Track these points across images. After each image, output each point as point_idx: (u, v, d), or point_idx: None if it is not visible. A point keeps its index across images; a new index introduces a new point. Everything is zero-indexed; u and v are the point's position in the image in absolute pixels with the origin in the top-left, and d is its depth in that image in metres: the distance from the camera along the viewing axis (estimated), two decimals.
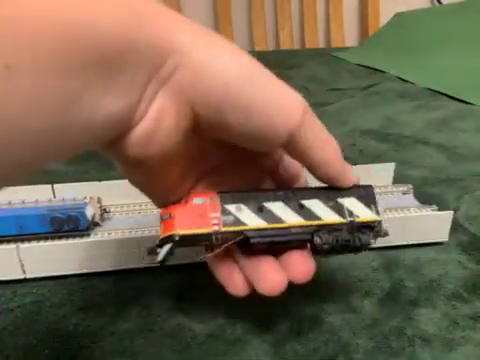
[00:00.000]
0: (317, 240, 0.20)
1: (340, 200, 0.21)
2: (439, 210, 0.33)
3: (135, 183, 0.20)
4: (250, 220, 0.20)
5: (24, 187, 0.34)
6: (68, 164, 0.49)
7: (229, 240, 0.19)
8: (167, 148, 0.17)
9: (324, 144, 0.20)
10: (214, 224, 0.19)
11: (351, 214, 0.21)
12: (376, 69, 1.03)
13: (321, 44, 1.68)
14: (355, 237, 0.21)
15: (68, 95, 0.14)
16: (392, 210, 0.33)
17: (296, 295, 0.27)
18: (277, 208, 0.20)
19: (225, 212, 0.20)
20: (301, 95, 0.19)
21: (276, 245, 0.20)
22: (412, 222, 0.31)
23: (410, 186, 0.38)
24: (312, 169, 0.20)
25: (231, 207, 0.20)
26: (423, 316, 0.26)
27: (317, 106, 0.69)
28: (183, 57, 0.17)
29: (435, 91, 0.79)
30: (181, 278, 0.29)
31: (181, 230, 0.19)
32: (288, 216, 0.20)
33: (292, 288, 0.28)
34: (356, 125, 0.61)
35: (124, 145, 0.17)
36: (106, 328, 0.25)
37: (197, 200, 0.20)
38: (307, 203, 0.20)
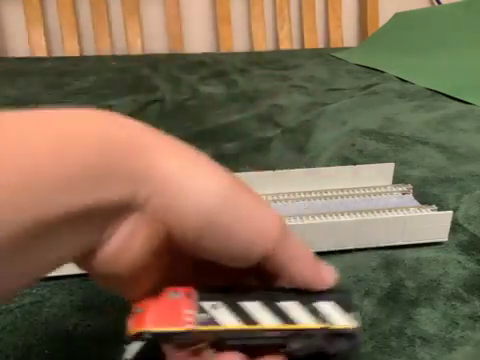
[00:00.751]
0: (291, 346, 0.19)
1: (317, 304, 0.20)
2: (439, 210, 0.33)
3: (105, 287, 0.19)
4: (225, 320, 0.19)
5: None
6: None
7: (202, 339, 0.19)
8: (137, 265, 0.17)
9: (299, 259, 0.19)
10: (188, 322, 0.18)
11: (326, 320, 0.20)
12: (375, 69, 1.03)
13: (320, 44, 1.68)
14: (330, 344, 0.20)
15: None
16: (392, 210, 0.33)
17: None
18: (254, 308, 0.19)
19: (200, 310, 0.19)
20: (274, 220, 0.18)
21: (250, 347, 0.20)
22: (412, 222, 0.31)
23: (410, 186, 0.38)
24: (287, 278, 0.20)
25: (207, 304, 0.19)
26: (423, 316, 0.26)
27: (316, 106, 0.69)
28: (157, 184, 0.16)
29: (435, 91, 0.79)
30: None
31: (152, 327, 0.18)
32: (264, 318, 0.19)
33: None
34: (355, 125, 0.61)
35: (91, 262, 0.16)
36: (106, 328, 0.25)
37: (172, 295, 0.19)
38: (285, 305, 0.20)
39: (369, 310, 0.26)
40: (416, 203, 0.36)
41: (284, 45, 1.60)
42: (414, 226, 0.31)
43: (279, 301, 0.20)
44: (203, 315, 0.19)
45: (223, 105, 0.74)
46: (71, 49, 1.43)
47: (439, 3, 1.69)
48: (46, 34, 1.43)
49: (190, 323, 0.18)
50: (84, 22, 1.47)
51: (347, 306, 0.20)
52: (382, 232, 0.31)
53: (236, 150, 0.51)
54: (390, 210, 0.33)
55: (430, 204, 0.34)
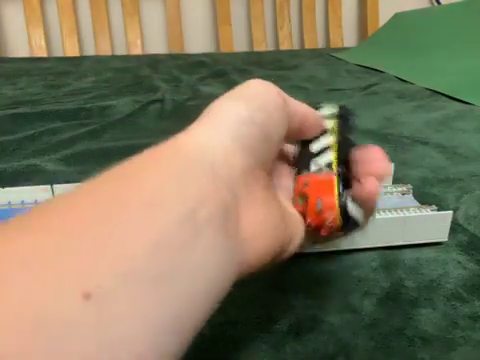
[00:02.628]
0: None
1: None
2: (439, 210, 0.33)
3: None
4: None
5: (24, 188, 0.34)
6: (68, 164, 0.49)
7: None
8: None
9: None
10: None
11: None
12: (375, 69, 1.03)
13: (320, 44, 1.68)
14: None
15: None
16: (392, 210, 0.33)
17: (296, 295, 0.27)
18: None
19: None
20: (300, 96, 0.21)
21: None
22: (412, 222, 0.31)
23: (410, 186, 0.38)
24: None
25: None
26: (423, 316, 0.26)
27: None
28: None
29: (434, 91, 0.79)
30: None
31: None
32: None
33: (292, 288, 0.28)
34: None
35: None
36: None
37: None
38: None
39: (369, 310, 0.26)
40: (416, 203, 0.36)
41: (284, 45, 1.60)
42: (414, 226, 0.31)
43: None
44: None
45: None
46: (71, 49, 1.43)
47: (439, 3, 1.69)
48: (46, 34, 1.43)
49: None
50: (84, 22, 1.47)
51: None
52: (382, 232, 0.31)
53: None
54: (390, 210, 0.33)
55: (430, 204, 0.34)
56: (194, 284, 0.15)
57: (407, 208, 0.33)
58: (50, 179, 0.44)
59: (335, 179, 0.20)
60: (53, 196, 0.35)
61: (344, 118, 0.25)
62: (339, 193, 0.20)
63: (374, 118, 0.65)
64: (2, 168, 0.47)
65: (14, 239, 0.13)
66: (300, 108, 0.22)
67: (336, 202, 0.20)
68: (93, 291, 0.12)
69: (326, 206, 0.20)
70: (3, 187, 0.34)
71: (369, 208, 0.21)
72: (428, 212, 0.33)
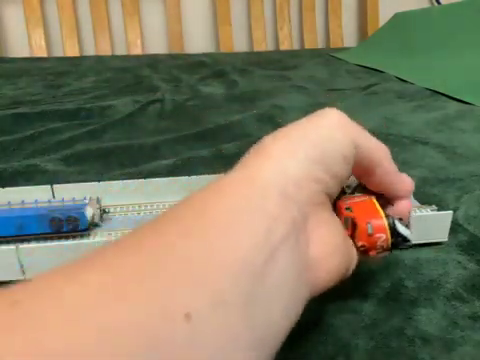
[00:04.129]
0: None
1: None
2: (439, 210, 0.33)
3: None
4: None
5: (23, 188, 0.34)
6: (68, 164, 0.49)
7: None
8: None
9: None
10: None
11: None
12: (375, 69, 1.03)
13: (320, 44, 1.68)
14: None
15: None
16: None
17: None
18: None
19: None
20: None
21: None
22: (412, 222, 0.31)
23: None
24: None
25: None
26: (423, 316, 0.26)
27: (316, 106, 0.69)
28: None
29: (434, 91, 0.79)
30: None
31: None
32: None
33: None
34: None
35: None
36: None
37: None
38: None
39: (369, 310, 0.26)
40: (416, 203, 0.36)
41: (284, 45, 1.60)
42: (414, 226, 0.31)
43: None
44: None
45: (223, 105, 0.74)
46: (71, 49, 1.43)
47: (439, 3, 1.69)
48: (46, 34, 1.43)
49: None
50: (84, 22, 1.47)
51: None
52: None
53: (236, 150, 0.51)
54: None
55: (430, 204, 0.34)
56: (276, 309, 0.15)
57: None
58: (50, 179, 0.44)
59: (375, 201, 0.22)
60: (53, 196, 0.35)
61: None
62: (386, 215, 0.21)
63: (374, 118, 0.65)
64: (2, 168, 0.47)
65: (128, 256, 0.13)
66: (371, 155, 0.23)
67: (386, 224, 0.21)
68: (193, 312, 0.13)
69: (377, 229, 0.21)
70: (3, 187, 0.34)
71: (409, 225, 0.23)
72: (428, 212, 0.33)
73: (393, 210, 0.24)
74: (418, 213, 0.32)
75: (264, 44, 1.58)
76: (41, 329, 0.11)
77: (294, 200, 0.17)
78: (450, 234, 0.32)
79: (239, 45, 1.59)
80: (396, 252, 0.31)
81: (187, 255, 0.14)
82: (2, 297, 0.12)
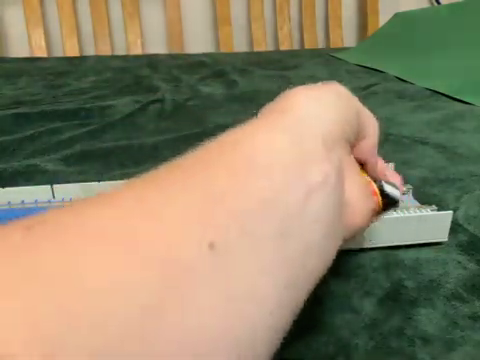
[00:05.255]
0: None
1: None
2: (439, 210, 0.33)
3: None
4: None
5: (24, 188, 0.34)
6: (68, 164, 0.49)
7: None
8: None
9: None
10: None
11: None
12: (375, 69, 1.03)
13: (320, 44, 1.68)
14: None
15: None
16: (392, 210, 0.33)
17: None
18: None
19: None
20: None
21: None
22: (412, 222, 0.31)
23: (409, 186, 0.38)
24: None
25: None
26: (423, 316, 0.26)
27: None
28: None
29: (434, 91, 0.79)
30: None
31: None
32: None
33: None
34: None
35: None
36: None
37: None
38: None
39: (369, 310, 0.26)
40: (416, 203, 0.36)
41: (284, 45, 1.60)
42: (414, 226, 0.31)
43: None
44: None
45: (223, 105, 0.74)
46: (71, 49, 1.43)
47: (439, 3, 1.69)
48: (46, 34, 1.43)
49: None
50: (84, 22, 1.47)
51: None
52: (382, 232, 0.31)
53: None
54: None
55: (430, 204, 0.34)
56: (311, 244, 0.15)
57: (407, 208, 0.33)
58: (50, 179, 0.44)
59: (361, 170, 0.23)
60: (53, 196, 0.35)
61: None
62: (374, 179, 0.22)
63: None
64: (2, 168, 0.47)
65: (144, 192, 0.13)
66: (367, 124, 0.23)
67: (375, 187, 0.22)
68: (217, 241, 0.12)
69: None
70: (3, 187, 0.34)
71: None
72: (428, 212, 0.33)
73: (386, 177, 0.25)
74: (418, 213, 0.32)
75: (264, 44, 1.58)
76: (64, 248, 0.11)
77: (332, 145, 0.17)
78: (450, 234, 0.32)
79: (239, 45, 1.59)
80: (396, 252, 0.31)
81: (210, 188, 0.13)
82: (16, 224, 0.12)
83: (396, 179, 0.25)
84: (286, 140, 0.16)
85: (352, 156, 0.21)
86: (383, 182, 0.22)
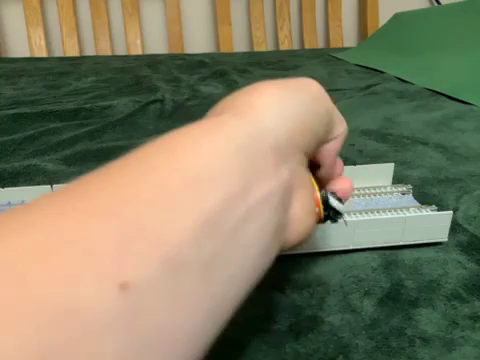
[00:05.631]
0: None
1: None
2: (438, 210, 0.33)
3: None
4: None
5: (24, 188, 0.34)
6: (68, 164, 0.49)
7: None
8: None
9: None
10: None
11: None
12: (375, 69, 1.03)
13: (320, 44, 1.68)
14: None
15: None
16: (392, 210, 0.33)
17: (296, 295, 0.27)
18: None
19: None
20: None
21: None
22: (412, 222, 0.31)
23: (409, 186, 0.38)
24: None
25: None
26: (423, 316, 0.26)
27: None
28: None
29: (434, 91, 0.79)
30: None
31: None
32: None
33: (292, 287, 0.28)
34: (355, 125, 0.61)
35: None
36: None
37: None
38: None
39: (369, 310, 0.26)
40: (416, 203, 0.36)
41: (284, 45, 1.60)
42: (414, 226, 0.31)
43: None
44: None
45: None
46: (71, 49, 1.43)
47: (439, 3, 1.69)
48: (46, 34, 1.43)
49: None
50: (84, 22, 1.47)
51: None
52: (382, 232, 0.31)
53: None
54: (390, 210, 0.33)
55: (430, 204, 0.34)
56: (241, 269, 0.13)
57: (407, 208, 0.33)
58: (50, 179, 0.44)
59: (312, 178, 0.22)
60: None
61: None
62: (320, 189, 0.22)
63: (374, 118, 0.65)
64: (2, 168, 0.47)
65: (39, 221, 0.11)
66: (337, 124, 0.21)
67: (318, 197, 0.21)
68: (132, 280, 0.10)
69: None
70: (3, 187, 0.34)
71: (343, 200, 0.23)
72: (428, 212, 0.33)
73: (335, 184, 0.24)
74: (418, 213, 0.32)
75: (264, 44, 1.58)
76: None
77: (285, 157, 0.16)
78: (450, 234, 0.32)
79: (239, 45, 1.59)
80: (396, 252, 0.31)
81: (133, 209, 0.11)
82: None
83: (346, 184, 0.24)
84: (231, 150, 0.14)
85: (305, 166, 0.19)
86: (329, 194, 0.22)
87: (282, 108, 0.17)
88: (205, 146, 0.14)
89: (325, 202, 0.22)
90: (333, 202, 0.22)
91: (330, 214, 0.22)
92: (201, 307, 0.12)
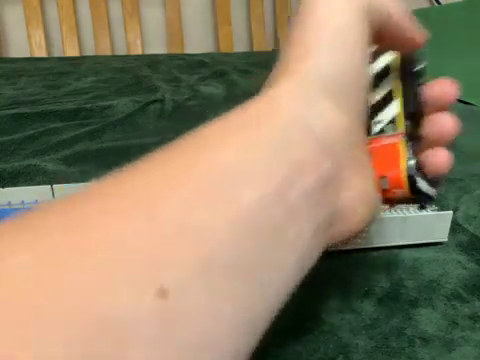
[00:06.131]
0: None
1: None
2: (439, 210, 0.33)
3: None
4: None
5: (24, 188, 0.34)
6: (68, 164, 0.49)
7: None
8: None
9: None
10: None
11: None
12: None
13: None
14: None
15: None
16: (392, 210, 0.33)
17: (296, 295, 0.27)
18: None
19: None
20: None
21: None
22: (412, 222, 0.31)
23: None
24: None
25: None
26: (423, 316, 0.26)
27: None
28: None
29: None
30: None
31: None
32: None
33: None
34: None
35: None
36: None
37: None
38: None
39: (369, 310, 0.26)
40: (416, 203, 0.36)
41: None
42: (414, 226, 0.31)
43: None
44: None
45: (223, 105, 0.74)
46: (71, 49, 1.43)
47: (439, 3, 1.69)
48: (46, 34, 1.43)
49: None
50: (84, 22, 1.47)
51: None
52: (382, 232, 0.31)
53: None
54: (390, 210, 0.33)
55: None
56: (279, 275, 0.13)
57: (407, 208, 0.33)
58: (50, 179, 0.44)
59: (401, 144, 0.18)
60: (53, 196, 0.35)
61: (407, 60, 0.21)
62: (408, 166, 0.18)
63: None
64: (2, 168, 0.47)
65: (74, 226, 0.10)
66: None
67: (404, 177, 0.18)
68: (171, 287, 0.10)
69: (393, 183, 0.18)
70: (3, 187, 0.34)
71: (439, 179, 0.19)
72: (428, 212, 0.33)
73: (429, 163, 0.19)
74: (418, 213, 0.32)
75: (264, 44, 1.58)
76: None
77: (326, 146, 0.14)
78: (450, 234, 0.32)
79: (239, 45, 1.59)
80: (396, 252, 0.31)
81: (167, 212, 0.11)
82: None
83: (445, 121, 0.20)
84: (265, 144, 0.13)
85: (360, 150, 0.17)
86: (418, 177, 0.18)
87: (302, 82, 0.15)
88: (238, 140, 0.13)
89: (413, 184, 0.18)
90: (422, 185, 0.18)
91: (419, 198, 0.18)
92: (238, 317, 0.11)
